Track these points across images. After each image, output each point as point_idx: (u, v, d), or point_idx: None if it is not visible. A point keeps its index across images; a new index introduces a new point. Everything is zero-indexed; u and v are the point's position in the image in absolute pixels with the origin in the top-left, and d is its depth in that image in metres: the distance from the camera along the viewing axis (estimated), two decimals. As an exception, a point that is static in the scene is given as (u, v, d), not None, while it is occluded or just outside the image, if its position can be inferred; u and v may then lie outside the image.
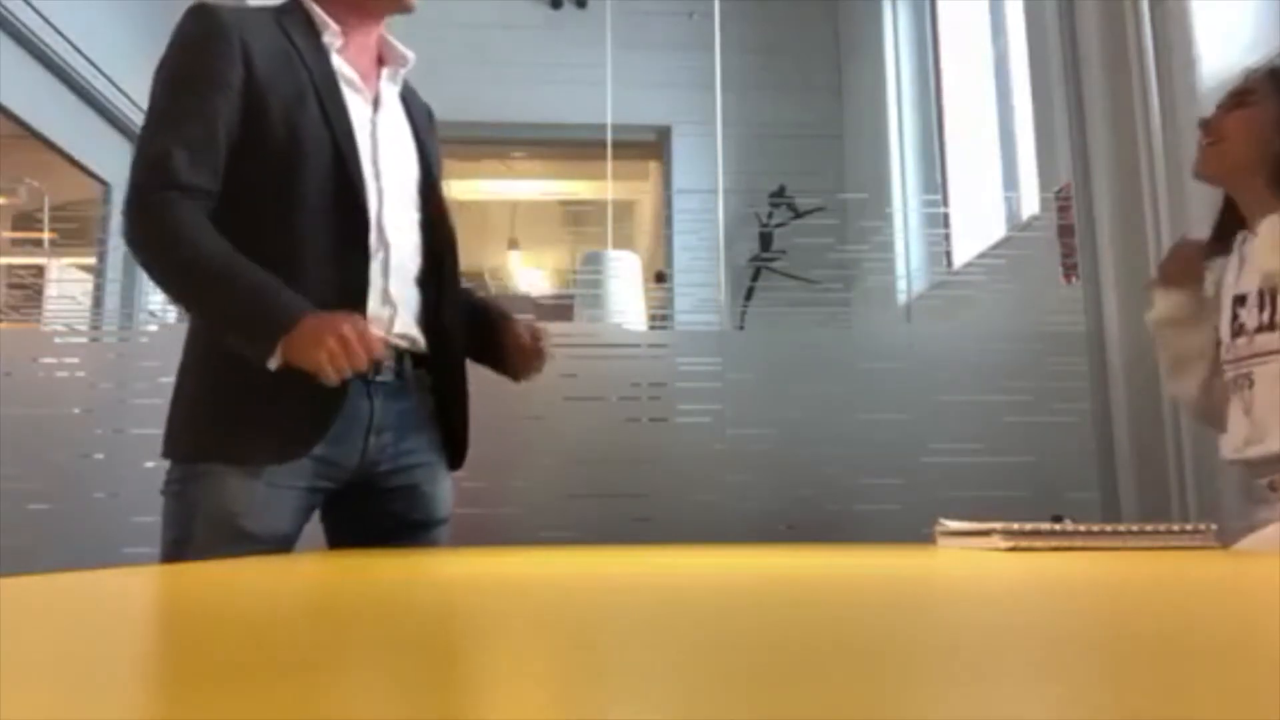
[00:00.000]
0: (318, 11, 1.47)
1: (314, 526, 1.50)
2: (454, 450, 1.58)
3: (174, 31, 1.42)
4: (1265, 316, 1.48)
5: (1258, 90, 1.52)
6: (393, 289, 1.45)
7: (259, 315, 1.31)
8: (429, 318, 1.52)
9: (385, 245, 1.44)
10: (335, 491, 1.44)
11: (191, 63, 1.39)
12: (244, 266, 1.32)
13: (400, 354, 1.48)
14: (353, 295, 1.40)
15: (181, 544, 1.34)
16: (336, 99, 1.43)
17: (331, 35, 1.47)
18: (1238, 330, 1.53)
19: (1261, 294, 1.49)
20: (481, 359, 1.63)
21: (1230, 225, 1.60)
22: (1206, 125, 1.55)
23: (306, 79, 1.41)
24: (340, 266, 1.40)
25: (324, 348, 1.25)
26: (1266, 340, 1.47)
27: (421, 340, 1.51)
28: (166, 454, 1.39)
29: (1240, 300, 1.53)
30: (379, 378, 1.44)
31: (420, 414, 1.52)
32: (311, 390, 1.36)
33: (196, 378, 1.41)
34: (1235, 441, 1.53)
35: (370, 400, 1.43)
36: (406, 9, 1.52)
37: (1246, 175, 1.52)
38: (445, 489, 1.56)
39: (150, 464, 1.44)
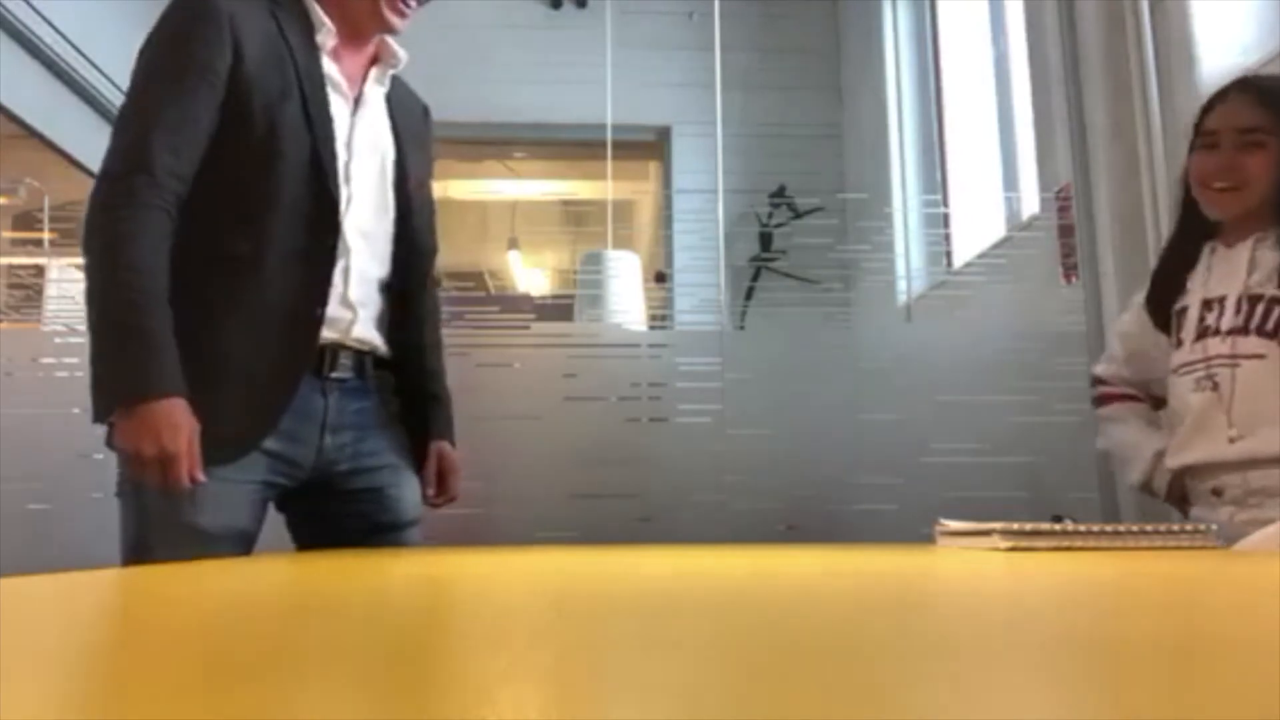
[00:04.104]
0: (315, 9, 1.45)
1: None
2: (417, 454, 1.56)
3: (165, 11, 1.39)
4: (1240, 320, 1.53)
5: (1268, 128, 1.53)
6: (352, 294, 1.43)
7: (128, 366, 1.27)
8: (394, 322, 1.51)
9: (348, 250, 1.42)
10: (296, 492, 1.42)
11: (179, 46, 1.36)
12: (157, 314, 1.28)
13: (360, 355, 1.47)
14: (313, 299, 1.39)
15: (138, 546, 1.31)
16: (321, 101, 1.42)
17: (325, 35, 1.45)
18: (1203, 332, 1.58)
19: (1240, 299, 1.55)
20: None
21: (1196, 236, 1.65)
22: (1224, 171, 1.56)
23: (293, 78, 1.39)
24: (304, 269, 1.38)
25: (147, 451, 1.24)
26: (1249, 343, 1.52)
27: (382, 345, 1.49)
28: (110, 442, 1.35)
29: (1209, 304, 1.59)
30: (334, 374, 1.42)
31: (382, 414, 1.50)
32: (257, 383, 1.34)
33: None
34: (1210, 445, 1.55)
35: (325, 397, 1.41)
36: (390, 31, 1.51)
37: (1253, 208, 1.56)
38: (412, 490, 1.54)
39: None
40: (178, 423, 1.25)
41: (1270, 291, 1.52)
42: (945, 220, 3.99)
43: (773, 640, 0.44)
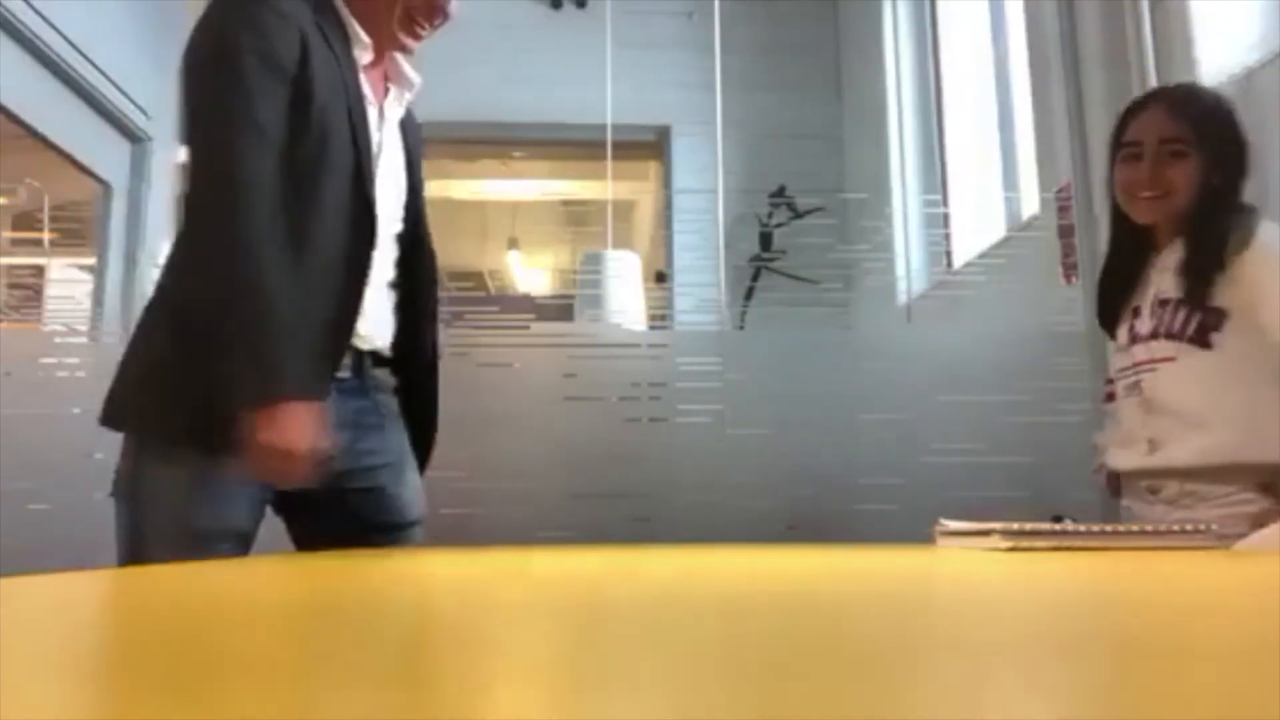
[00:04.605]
0: (354, 24, 1.45)
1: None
2: (421, 453, 1.56)
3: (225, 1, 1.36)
4: (1153, 324, 1.59)
5: (1188, 139, 1.58)
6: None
7: (293, 359, 1.28)
8: (402, 322, 1.52)
9: None
10: (295, 494, 1.40)
11: (257, 37, 1.32)
12: (293, 298, 1.28)
13: (360, 354, 1.47)
14: (351, 305, 1.40)
15: (136, 547, 1.31)
16: (362, 113, 1.43)
17: (362, 49, 1.45)
18: (1132, 339, 1.64)
19: (1153, 305, 1.60)
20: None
21: (1132, 244, 1.68)
22: (1150, 181, 1.60)
23: (342, 89, 1.40)
24: (343, 276, 1.39)
25: (300, 445, 1.25)
26: (1160, 346, 1.57)
27: (385, 346, 1.50)
28: (126, 424, 1.34)
29: (1135, 311, 1.65)
30: (334, 374, 1.43)
31: (380, 413, 1.50)
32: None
33: (175, 343, 1.33)
34: (1134, 453, 1.61)
35: None
36: (403, 50, 1.50)
37: (1176, 215, 1.61)
38: (413, 490, 1.53)
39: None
40: (307, 423, 1.27)
41: (1174, 294, 1.56)
42: (945, 220, 3.98)
43: (773, 640, 0.44)
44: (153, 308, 1.41)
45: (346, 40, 1.44)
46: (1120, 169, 1.64)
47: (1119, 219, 1.69)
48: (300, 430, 1.25)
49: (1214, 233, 1.53)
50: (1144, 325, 1.61)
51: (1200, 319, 1.52)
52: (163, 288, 1.41)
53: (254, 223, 1.28)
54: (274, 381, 1.26)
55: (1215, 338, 1.51)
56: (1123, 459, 1.63)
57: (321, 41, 1.40)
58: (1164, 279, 1.59)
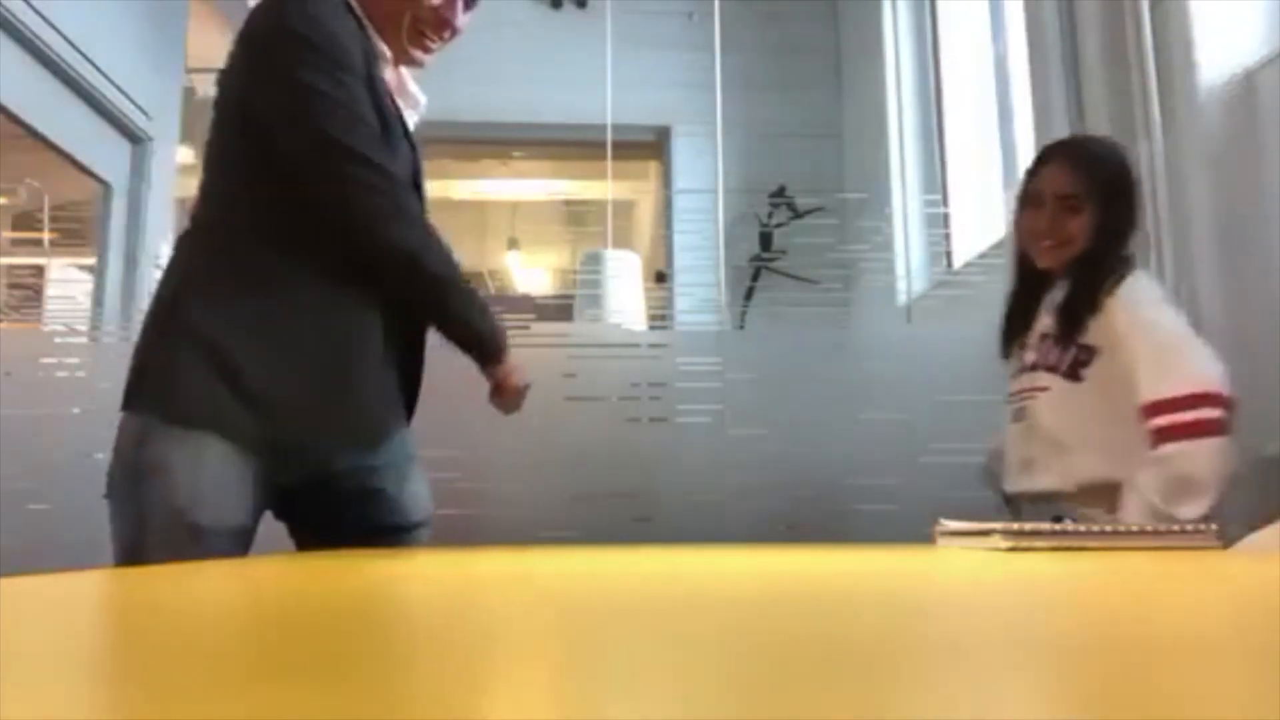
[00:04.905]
0: (378, 41, 1.43)
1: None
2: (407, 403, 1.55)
3: (294, 4, 1.34)
4: (1036, 356, 1.72)
5: (1082, 194, 1.71)
6: None
7: (492, 320, 1.48)
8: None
9: None
10: (295, 495, 1.40)
11: (337, 46, 1.33)
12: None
13: None
14: (403, 318, 1.44)
15: (133, 546, 1.29)
16: (407, 126, 1.45)
17: (384, 64, 1.44)
18: (1021, 369, 1.78)
19: (1038, 338, 1.74)
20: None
21: (1032, 282, 1.80)
22: (1049, 231, 1.72)
23: (389, 100, 1.41)
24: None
25: (522, 385, 1.50)
26: (1039, 377, 1.71)
27: None
28: (141, 406, 1.33)
29: (1024, 344, 1.79)
30: None
31: None
32: (369, 388, 1.40)
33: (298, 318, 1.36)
34: (1016, 476, 1.74)
35: None
36: (414, 65, 1.50)
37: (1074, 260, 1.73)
38: (416, 490, 1.51)
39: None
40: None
41: (1053, 331, 1.70)
42: (945, 220, 3.98)
43: (773, 640, 0.44)
44: (173, 295, 1.37)
45: (375, 53, 1.43)
46: (1024, 217, 1.78)
47: (1021, 259, 1.82)
48: (522, 367, 1.51)
49: (1092, 279, 1.67)
50: (1029, 356, 1.75)
51: (1074, 355, 1.66)
52: (185, 278, 1.38)
53: (416, 210, 1.41)
54: (501, 335, 1.48)
55: (1085, 372, 1.65)
56: (1009, 482, 1.75)
57: (369, 52, 1.41)
58: (1049, 316, 1.72)
